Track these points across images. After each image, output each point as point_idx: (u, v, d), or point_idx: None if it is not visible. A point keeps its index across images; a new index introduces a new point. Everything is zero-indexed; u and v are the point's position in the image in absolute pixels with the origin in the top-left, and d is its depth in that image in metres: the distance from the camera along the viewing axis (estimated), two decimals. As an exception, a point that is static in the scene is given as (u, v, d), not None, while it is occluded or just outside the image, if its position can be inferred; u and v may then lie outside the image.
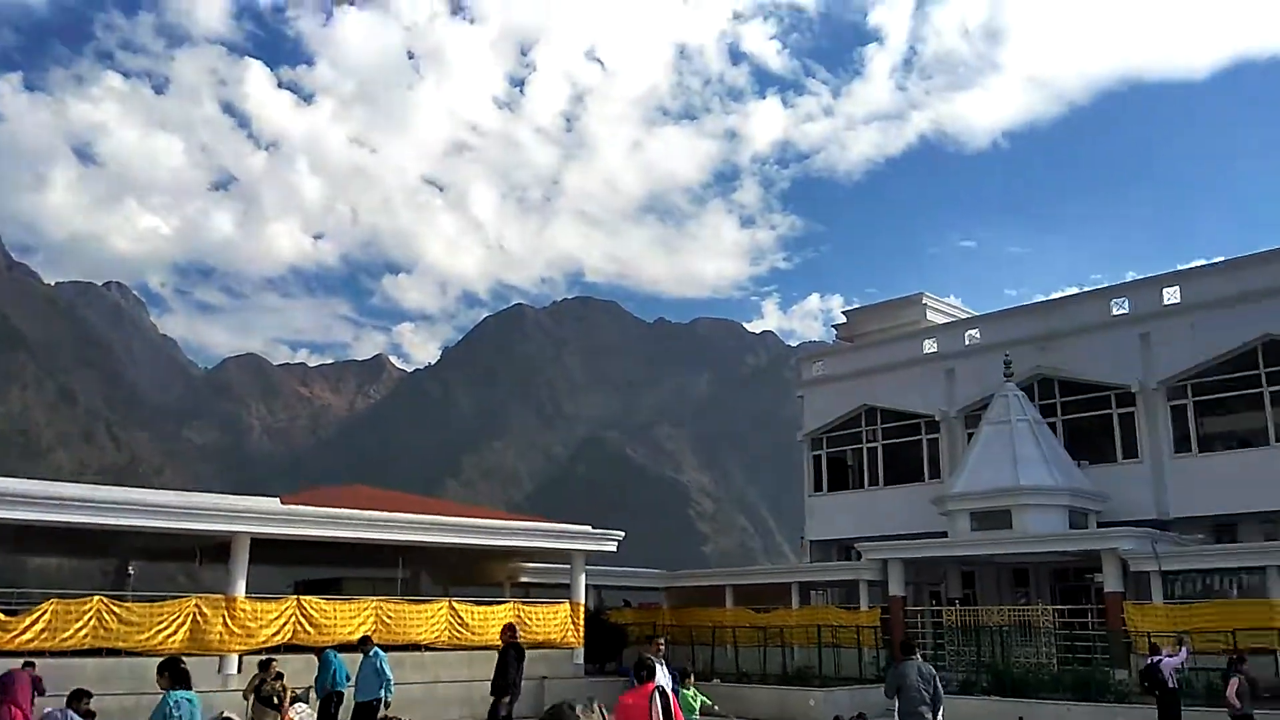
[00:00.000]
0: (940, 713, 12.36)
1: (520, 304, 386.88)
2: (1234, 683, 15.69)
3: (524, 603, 25.54)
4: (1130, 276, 35.27)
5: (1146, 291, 29.37)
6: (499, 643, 23.64)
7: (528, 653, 24.39)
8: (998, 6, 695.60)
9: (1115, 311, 29.65)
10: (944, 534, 28.25)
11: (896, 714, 12.46)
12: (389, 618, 22.61)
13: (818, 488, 36.03)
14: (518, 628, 24.32)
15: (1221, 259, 29.16)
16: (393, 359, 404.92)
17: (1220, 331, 26.85)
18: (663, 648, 12.15)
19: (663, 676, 11.69)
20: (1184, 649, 18.31)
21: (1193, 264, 30.13)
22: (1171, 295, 28.58)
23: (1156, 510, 27.14)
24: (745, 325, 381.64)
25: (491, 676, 14.71)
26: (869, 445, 34.80)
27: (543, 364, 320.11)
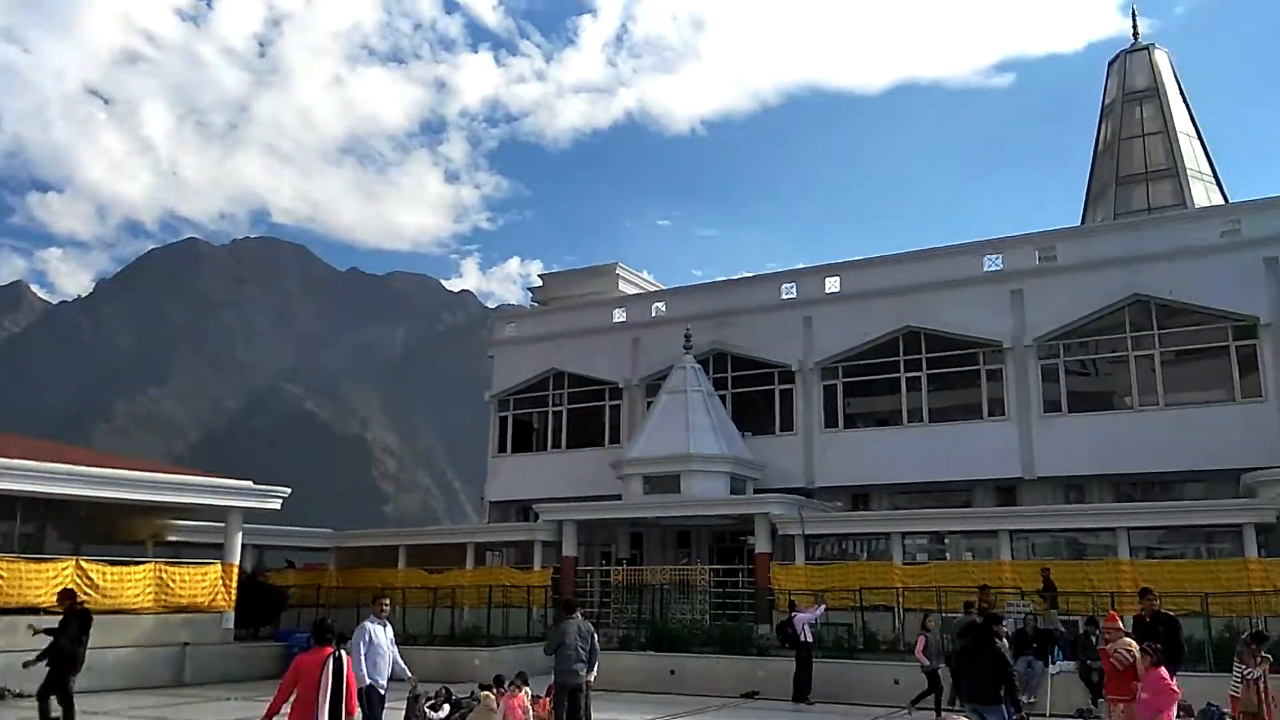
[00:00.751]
0: (595, 669, 12.60)
1: (194, 238, 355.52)
2: (921, 640, 16.94)
3: (167, 563, 23.25)
4: (800, 265, 39.09)
5: (812, 279, 31.90)
6: (133, 606, 21.59)
7: (170, 617, 22.46)
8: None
9: (784, 295, 31.96)
10: (619, 497, 29.20)
11: (554, 671, 12.55)
12: (0, 578, 19.70)
13: (502, 449, 36.00)
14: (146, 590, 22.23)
15: (876, 255, 32.23)
16: (35, 288, 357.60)
17: (869, 320, 29.72)
18: (386, 608, 11.54)
19: (384, 637, 11.27)
20: (821, 606, 20.05)
21: (853, 258, 33.08)
22: (833, 284, 31.24)
23: (805, 479, 29.69)
24: (444, 283, 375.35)
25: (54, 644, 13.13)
26: (555, 408, 35.22)
27: (217, 306, 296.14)
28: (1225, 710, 12.76)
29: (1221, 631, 17.77)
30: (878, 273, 30.79)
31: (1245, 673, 10.61)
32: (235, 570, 24.08)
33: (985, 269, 29.01)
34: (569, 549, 28.02)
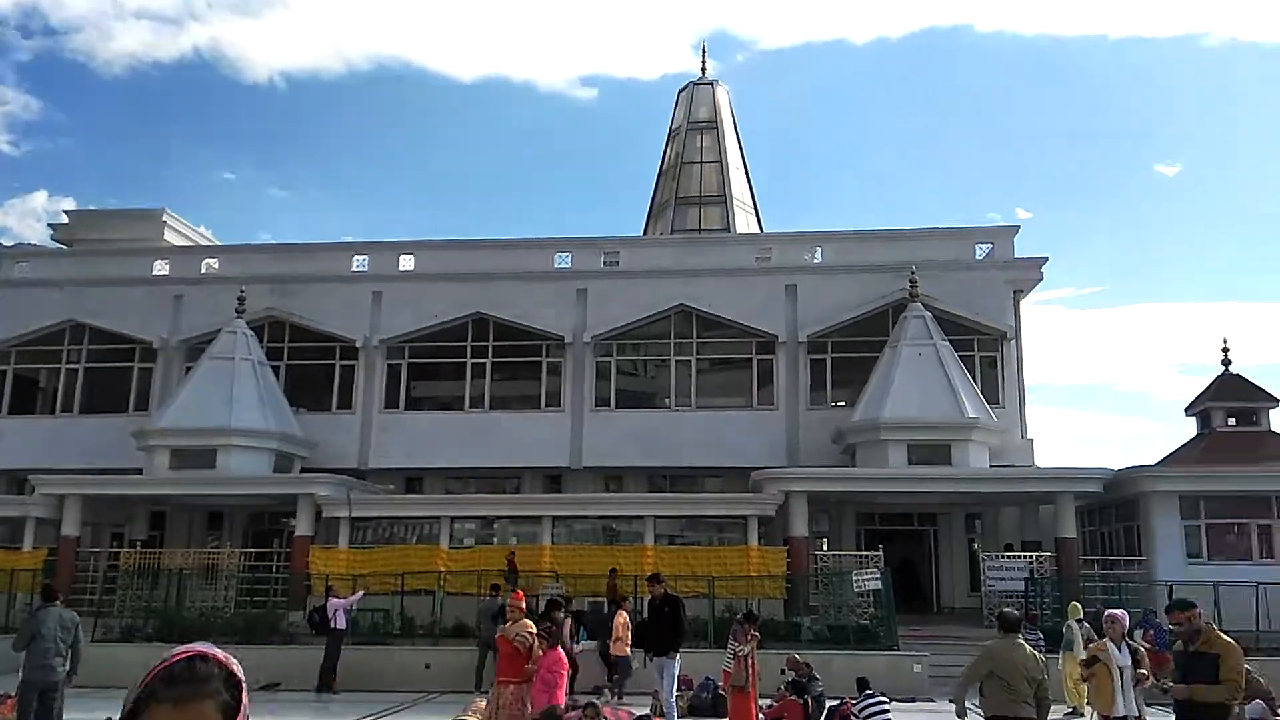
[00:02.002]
0: (78, 663, 10.84)
1: None
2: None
3: None
4: (378, 239, 38.18)
5: (385, 254, 30.86)
6: None
7: None
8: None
9: (355, 268, 30.58)
10: (141, 471, 25.94)
11: (23, 668, 10.59)
12: None
13: (-7, 408, 30.40)
14: None
15: (453, 239, 31.99)
16: None
17: (440, 302, 29.34)
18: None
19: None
20: (360, 592, 19.29)
21: (429, 238, 32.45)
22: (407, 262, 30.50)
23: (360, 460, 28.57)
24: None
25: None
26: (69, 366, 30.47)
27: None
28: (719, 683, 14.12)
29: (723, 612, 19.81)
30: (453, 256, 30.57)
31: (736, 649, 11.72)
32: None
33: (555, 265, 30.02)
34: (70, 528, 24.36)
